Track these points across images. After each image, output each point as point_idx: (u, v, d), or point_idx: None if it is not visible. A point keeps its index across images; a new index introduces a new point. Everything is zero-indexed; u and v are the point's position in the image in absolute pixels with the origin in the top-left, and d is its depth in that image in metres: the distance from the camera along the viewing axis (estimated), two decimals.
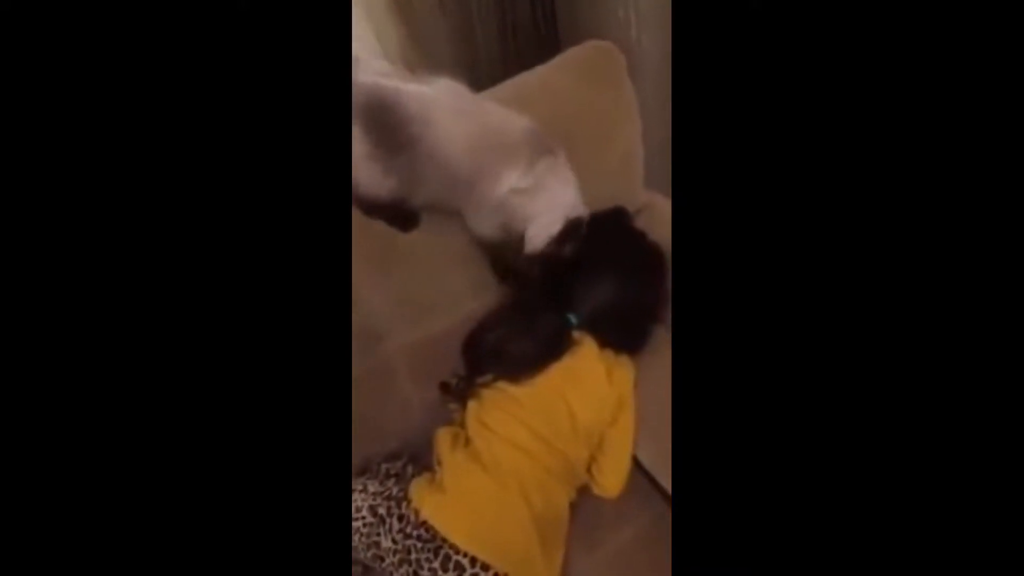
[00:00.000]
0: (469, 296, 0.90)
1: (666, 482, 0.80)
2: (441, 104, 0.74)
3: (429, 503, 0.73)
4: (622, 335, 0.83)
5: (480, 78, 1.08)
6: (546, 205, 0.77)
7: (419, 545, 0.71)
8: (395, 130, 0.71)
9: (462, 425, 0.82)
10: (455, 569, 0.70)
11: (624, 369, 0.82)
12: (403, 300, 0.86)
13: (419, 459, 0.88)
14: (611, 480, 0.82)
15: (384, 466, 0.87)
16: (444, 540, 0.71)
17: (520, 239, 0.79)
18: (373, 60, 0.81)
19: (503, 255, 0.85)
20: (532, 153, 0.75)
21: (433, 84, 0.76)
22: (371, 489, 0.78)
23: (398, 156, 0.72)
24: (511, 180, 0.75)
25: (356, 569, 0.79)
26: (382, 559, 0.74)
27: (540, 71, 0.92)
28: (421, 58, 1.08)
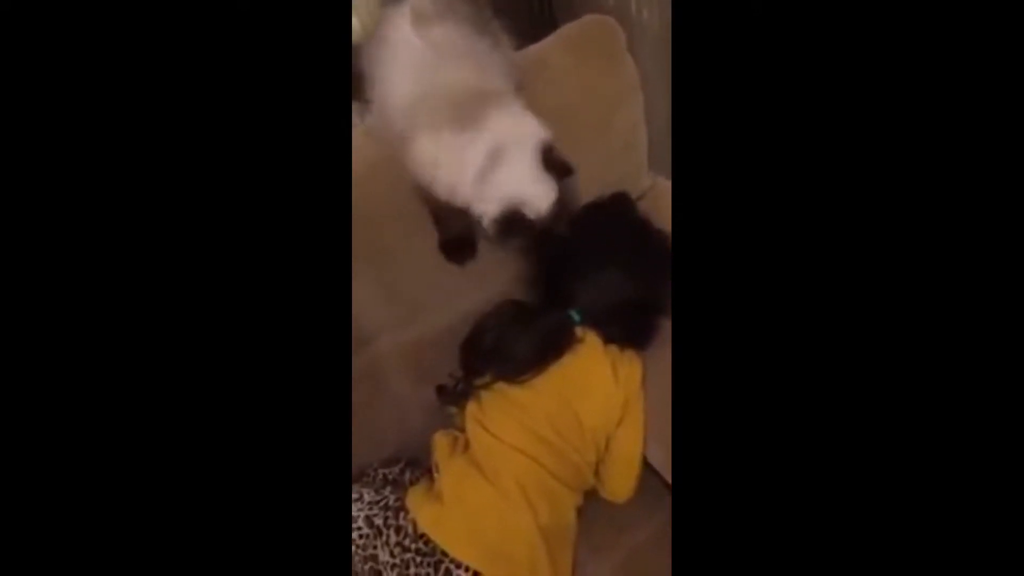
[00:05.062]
0: (463, 292, 0.85)
1: None
2: (411, 56, 0.70)
3: (427, 514, 0.70)
4: (628, 330, 0.79)
5: None
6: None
7: (418, 559, 0.68)
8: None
9: (461, 429, 0.78)
10: None
11: (631, 366, 0.77)
12: (393, 297, 0.82)
13: (418, 463, 0.85)
14: (620, 484, 0.78)
15: (381, 472, 0.84)
16: (444, 553, 0.67)
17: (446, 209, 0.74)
18: None
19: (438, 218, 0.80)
20: (446, 118, 0.69)
21: (432, 30, 0.71)
22: (367, 498, 0.75)
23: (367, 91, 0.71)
24: (419, 140, 0.70)
25: None
26: (380, 573, 0.71)
27: (535, 49, 0.87)
28: None
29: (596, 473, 0.78)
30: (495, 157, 0.68)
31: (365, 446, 0.84)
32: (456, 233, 0.80)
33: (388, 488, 0.77)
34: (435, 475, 0.76)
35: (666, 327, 0.81)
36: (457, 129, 0.68)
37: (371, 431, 0.85)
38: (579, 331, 0.77)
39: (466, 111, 0.69)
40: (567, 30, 0.88)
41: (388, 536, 0.70)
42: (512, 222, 0.68)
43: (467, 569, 0.67)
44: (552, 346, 0.75)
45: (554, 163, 0.70)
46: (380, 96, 0.73)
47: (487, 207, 0.68)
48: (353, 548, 0.72)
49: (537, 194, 0.69)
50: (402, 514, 0.71)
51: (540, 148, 0.69)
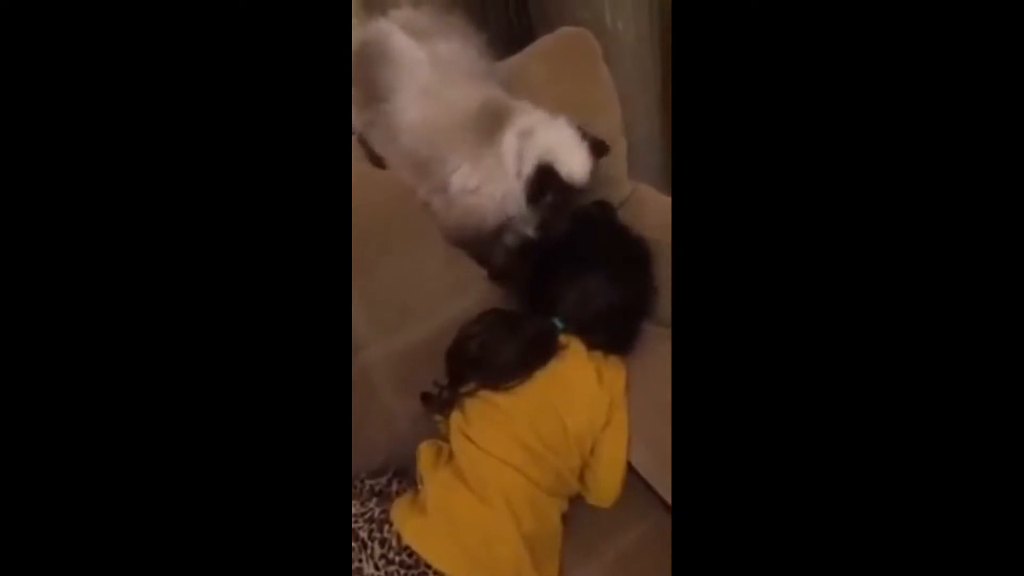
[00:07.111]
0: (449, 301, 0.85)
1: (662, 488, 0.77)
2: (417, 74, 0.70)
3: (411, 526, 0.69)
4: (611, 335, 0.79)
5: None
6: (493, 195, 0.72)
7: (402, 571, 0.68)
8: (375, 87, 0.69)
9: (446, 438, 0.78)
10: None
11: (615, 370, 0.78)
12: (380, 306, 0.82)
13: (406, 473, 0.85)
14: (605, 488, 0.78)
15: (368, 483, 0.83)
16: (428, 565, 0.67)
17: (488, 236, 0.74)
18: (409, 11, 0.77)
19: (481, 253, 0.81)
20: (477, 138, 0.70)
21: (436, 46, 0.72)
22: (352, 511, 0.74)
23: (374, 116, 0.70)
24: (456, 169, 0.70)
25: None
26: None
27: (513, 61, 0.89)
28: None
29: (581, 478, 0.78)
30: (527, 135, 0.68)
31: (355, 455, 0.83)
32: (503, 260, 0.80)
33: (374, 500, 0.77)
34: (419, 487, 0.76)
35: (647, 332, 0.82)
36: (490, 144, 0.69)
37: (360, 440, 0.83)
38: (563, 338, 0.78)
39: (486, 125, 0.70)
40: (543, 43, 0.90)
41: (373, 549, 0.70)
42: (545, 178, 0.67)
43: None
44: (536, 353, 0.76)
45: (589, 138, 0.69)
46: (388, 117, 0.71)
47: (524, 168, 0.67)
48: None
49: (574, 157, 0.68)
50: (386, 527, 0.71)
51: (572, 125, 0.69)
